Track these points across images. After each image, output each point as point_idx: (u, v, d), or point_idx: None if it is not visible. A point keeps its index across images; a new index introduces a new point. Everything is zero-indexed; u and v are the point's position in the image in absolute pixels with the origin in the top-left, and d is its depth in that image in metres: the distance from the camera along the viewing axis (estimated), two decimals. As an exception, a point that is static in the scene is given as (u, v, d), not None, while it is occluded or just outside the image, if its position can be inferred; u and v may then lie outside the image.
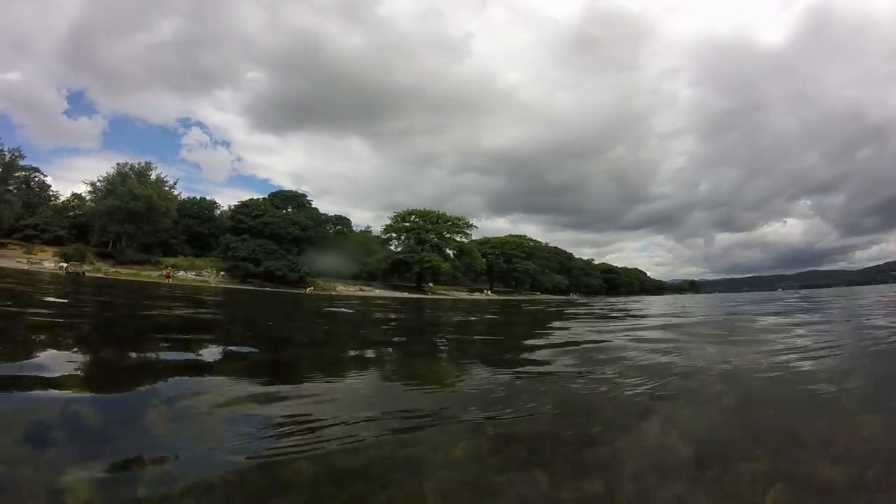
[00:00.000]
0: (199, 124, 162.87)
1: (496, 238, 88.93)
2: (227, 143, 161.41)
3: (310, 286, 57.09)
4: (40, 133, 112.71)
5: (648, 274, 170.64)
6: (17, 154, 57.52)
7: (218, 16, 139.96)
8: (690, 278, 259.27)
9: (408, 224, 71.45)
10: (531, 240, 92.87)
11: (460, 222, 74.43)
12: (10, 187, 56.19)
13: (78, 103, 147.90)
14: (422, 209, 72.95)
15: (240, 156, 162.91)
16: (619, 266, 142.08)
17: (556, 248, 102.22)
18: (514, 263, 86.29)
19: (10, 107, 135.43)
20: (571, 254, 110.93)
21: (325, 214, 65.86)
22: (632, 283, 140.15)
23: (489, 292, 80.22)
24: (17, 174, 58.22)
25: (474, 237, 78.66)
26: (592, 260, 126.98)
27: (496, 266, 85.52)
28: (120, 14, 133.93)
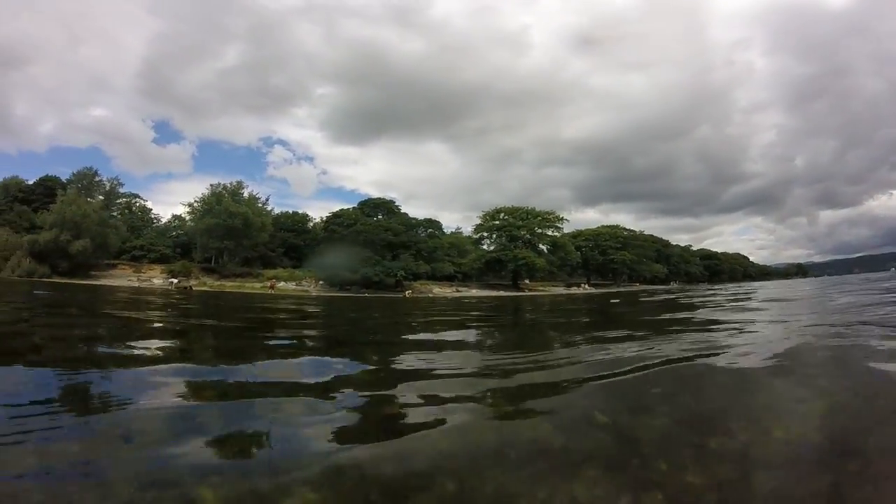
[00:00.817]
0: (281, 142, 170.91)
1: (589, 230, 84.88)
2: (310, 158, 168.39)
3: (407, 289, 56.48)
4: (133, 162, 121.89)
5: (751, 258, 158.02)
6: (116, 182, 62.98)
7: (275, 36, 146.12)
8: (796, 261, 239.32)
9: (498, 222, 69.23)
10: (625, 229, 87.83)
11: (551, 216, 71.33)
12: (114, 213, 60.24)
13: (164, 132, 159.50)
14: (510, 206, 70.45)
15: (324, 169, 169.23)
16: (720, 251, 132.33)
17: (651, 235, 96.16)
18: (609, 254, 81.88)
19: (101, 140, 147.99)
20: (668, 241, 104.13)
21: (415, 219, 65.12)
22: (734, 269, 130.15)
23: (586, 286, 76.53)
24: (118, 200, 63.06)
25: (566, 230, 75.36)
26: (690, 246, 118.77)
27: (591, 259, 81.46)
28: (183, 46, 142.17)
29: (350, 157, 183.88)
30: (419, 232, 64.91)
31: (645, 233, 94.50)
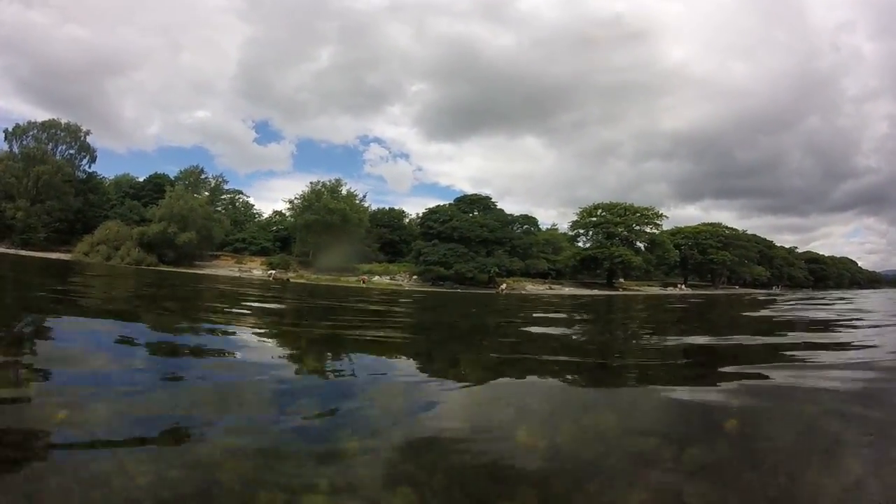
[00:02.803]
0: (377, 140, 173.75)
1: (688, 227, 79.48)
2: (406, 155, 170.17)
3: (501, 286, 54.89)
4: (236, 160, 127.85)
5: (860, 263, 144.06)
6: (220, 179, 66.33)
7: (366, 37, 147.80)
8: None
9: (595, 218, 66.04)
10: (727, 227, 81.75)
11: (649, 212, 67.30)
12: (219, 208, 62.99)
13: (265, 132, 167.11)
14: (607, 202, 67.05)
15: (420, 165, 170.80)
16: (826, 255, 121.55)
17: (754, 235, 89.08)
18: (709, 254, 76.40)
19: (205, 140, 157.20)
20: (772, 242, 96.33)
21: (510, 215, 63.32)
22: (841, 274, 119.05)
23: (683, 286, 71.87)
24: (222, 196, 66.00)
25: (664, 228, 71.11)
26: (795, 248, 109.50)
27: (690, 258, 76.46)
28: (278, 50, 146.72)
29: (445, 154, 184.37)
30: (514, 228, 62.98)
31: (747, 232, 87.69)
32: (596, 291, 58.61)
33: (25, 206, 53.05)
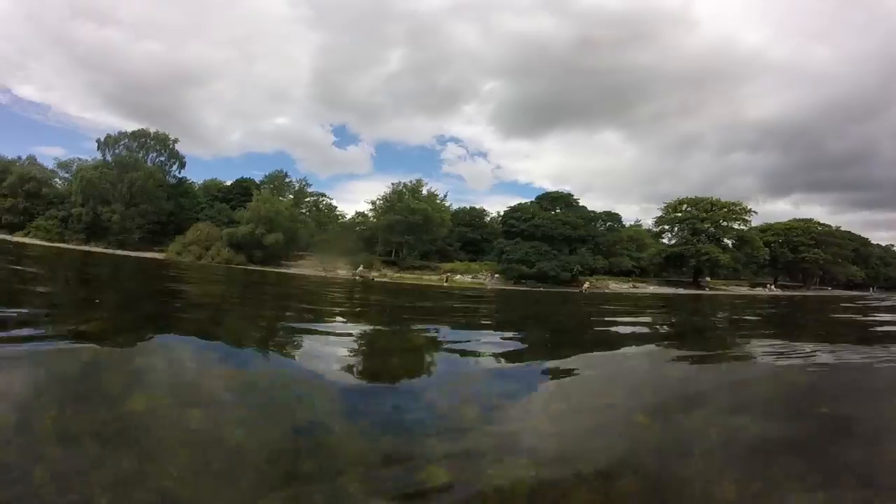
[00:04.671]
0: (454, 139, 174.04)
1: (779, 223, 74.71)
2: (483, 154, 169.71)
3: (584, 284, 53.08)
4: (317, 164, 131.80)
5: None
6: (304, 183, 67.49)
7: (434, 38, 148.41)
8: None
9: (679, 214, 63.09)
10: (819, 223, 76.48)
11: (737, 208, 63.67)
12: (303, 210, 64.27)
13: (343, 135, 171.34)
14: (692, 197, 63.96)
15: (498, 164, 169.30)
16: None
17: (847, 232, 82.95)
18: (800, 252, 71.67)
19: (286, 145, 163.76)
20: (867, 239, 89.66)
21: (593, 212, 61.34)
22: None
23: (772, 286, 67.60)
24: (306, 199, 67.02)
25: (753, 224, 67.09)
26: (892, 246, 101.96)
27: (781, 256, 71.87)
28: (348, 55, 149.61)
29: (523, 151, 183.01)
30: (597, 225, 61.00)
31: (840, 228, 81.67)
32: (681, 290, 55.99)
33: (120, 210, 55.70)
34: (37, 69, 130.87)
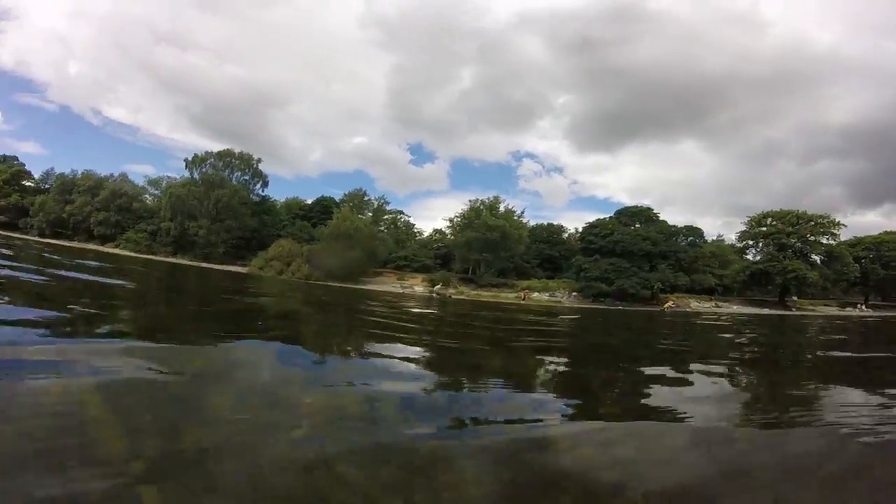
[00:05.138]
0: (529, 155, 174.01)
1: (869, 237, 70.28)
2: (559, 169, 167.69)
3: (667, 302, 51.62)
4: (395, 182, 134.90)
5: None
6: (382, 201, 69.16)
7: (502, 52, 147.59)
8: None
9: (764, 228, 60.45)
10: (914, 237, 71.55)
11: (825, 221, 60.37)
12: (382, 227, 65.47)
13: (419, 153, 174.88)
14: (777, 210, 61.03)
15: (574, 178, 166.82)
16: None
17: (945, 246, 77.42)
18: (893, 269, 67.33)
19: (364, 164, 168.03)
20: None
21: (674, 226, 59.70)
22: None
23: (863, 306, 63.60)
24: (385, 217, 68.57)
25: (842, 237, 63.38)
26: None
27: (872, 273, 67.62)
28: (421, 75, 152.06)
29: (600, 165, 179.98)
30: (678, 240, 59.24)
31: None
32: (766, 310, 53.40)
33: (206, 225, 58.15)
34: (126, 93, 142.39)
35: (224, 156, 63.28)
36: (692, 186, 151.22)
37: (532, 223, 66.16)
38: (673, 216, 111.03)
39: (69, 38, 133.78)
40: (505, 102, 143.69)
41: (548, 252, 63.43)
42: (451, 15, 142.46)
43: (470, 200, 59.69)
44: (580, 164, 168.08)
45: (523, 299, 49.78)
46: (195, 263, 55.13)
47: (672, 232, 58.17)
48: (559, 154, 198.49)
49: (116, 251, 58.25)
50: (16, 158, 79.29)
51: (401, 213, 73.23)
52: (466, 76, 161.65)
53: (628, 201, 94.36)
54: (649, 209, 58.73)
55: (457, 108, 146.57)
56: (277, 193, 74.84)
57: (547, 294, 53.93)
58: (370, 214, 64.58)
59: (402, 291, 48.99)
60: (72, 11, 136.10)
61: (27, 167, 77.33)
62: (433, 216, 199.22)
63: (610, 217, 58.40)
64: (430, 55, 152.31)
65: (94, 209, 64.17)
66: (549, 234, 66.54)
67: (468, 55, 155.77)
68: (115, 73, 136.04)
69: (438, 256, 60.85)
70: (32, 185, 75.22)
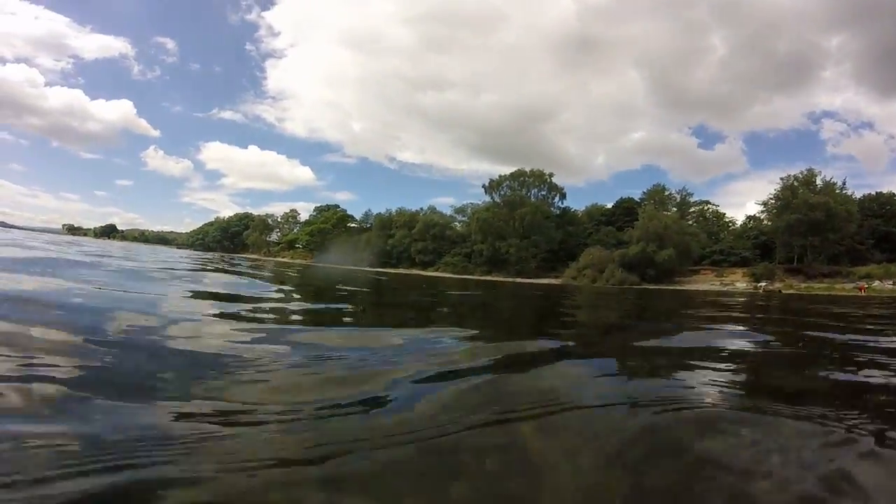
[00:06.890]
0: (827, 113, 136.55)
1: None
2: (868, 124, 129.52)
3: None
4: (687, 171, 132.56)
5: None
6: (685, 193, 68.43)
7: (742, 5, 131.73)
8: None
9: None
10: None
11: None
12: (689, 221, 64.42)
13: (704, 135, 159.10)
14: None
15: (891, 132, 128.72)
16: None
17: None
18: None
19: (651, 158, 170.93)
20: None
21: None
22: None
23: None
24: (690, 210, 67.78)
25: None
26: None
27: None
28: (670, 52, 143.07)
29: None
30: None
31: None
32: None
33: (516, 243, 65.49)
34: (407, 137, 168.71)
35: (517, 176, 70.48)
36: None
37: (857, 195, 57.92)
38: None
39: (339, 103, 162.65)
40: (771, 59, 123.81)
41: (883, 228, 54.94)
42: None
43: (781, 178, 55.83)
44: (890, 112, 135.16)
45: (863, 291, 44.12)
46: (510, 279, 60.42)
47: None
48: (859, 106, 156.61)
49: (437, 274, 68.04)
50: (337, 206, 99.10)
51: (707, 202, 70.30)
52: (717, 42, 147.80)
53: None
54: None
55: (722, 77, 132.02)
56: (575, 203, 77.90)
57: (890, 282, 47.99)
58: (674, 210, 64.26)
59: (721, 289, 47.60)
60: (330, 81, 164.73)
61: (348, 212, 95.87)
62: (740, 202, 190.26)
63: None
64: (671, 32, 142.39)
65: (413, 240, 76.23)
66: (881, 206, 57.02)
67: (707, 21, 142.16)
68: (390, 123, 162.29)
69: (757, 246, 57.30)
70: (355, 225, 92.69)
